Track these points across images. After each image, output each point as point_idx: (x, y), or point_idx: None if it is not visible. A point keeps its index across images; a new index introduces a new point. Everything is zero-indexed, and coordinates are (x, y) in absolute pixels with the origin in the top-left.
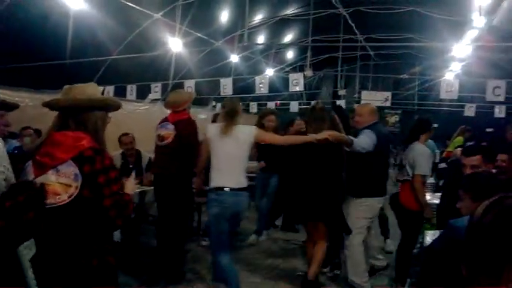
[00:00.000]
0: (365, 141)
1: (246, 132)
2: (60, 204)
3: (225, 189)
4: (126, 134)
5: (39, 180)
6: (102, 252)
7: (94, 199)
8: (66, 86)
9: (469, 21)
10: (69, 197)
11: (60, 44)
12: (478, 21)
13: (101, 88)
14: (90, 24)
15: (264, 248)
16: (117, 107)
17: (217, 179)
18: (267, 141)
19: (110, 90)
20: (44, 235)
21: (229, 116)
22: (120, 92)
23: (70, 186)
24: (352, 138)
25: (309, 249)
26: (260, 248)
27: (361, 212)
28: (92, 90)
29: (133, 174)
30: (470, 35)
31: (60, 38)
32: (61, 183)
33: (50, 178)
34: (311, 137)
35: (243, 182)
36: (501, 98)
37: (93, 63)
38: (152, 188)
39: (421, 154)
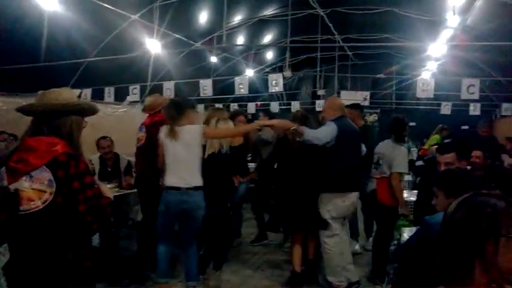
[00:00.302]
0: (323, 131)
1: (192, 132)
2: (35, 210)
3: (172, 189)
4: (104, 138)
5: (13, 186)
6: (79, 258)
7: (69, 204)
8: (40, 91)
9: (444, 20)
10: (43, 203)
11: (35, 46)
12: (452, 20)
13: (78, 91)
14: (66, 26)
15: (246, 248)
16: (93, 112)
17: (167, 179)
18: (211, 136)
19: (87, 92)
20: (18, 242)
21: (171, 119)
22: (98, 95)
23: (44, 192)
24: (304, 128)
25: (296, 250)
26: (242, 248)
27: (327, 213)
28: (67, 94)
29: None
30: (445, 34)
31: (35, 40)
32: (35, 189)
33: (24, 184)
34: (255, 123)
35: (192, 182)
36: (475, 96)
37: (70, 65)
38: (132, 191)
39: (400, 153)
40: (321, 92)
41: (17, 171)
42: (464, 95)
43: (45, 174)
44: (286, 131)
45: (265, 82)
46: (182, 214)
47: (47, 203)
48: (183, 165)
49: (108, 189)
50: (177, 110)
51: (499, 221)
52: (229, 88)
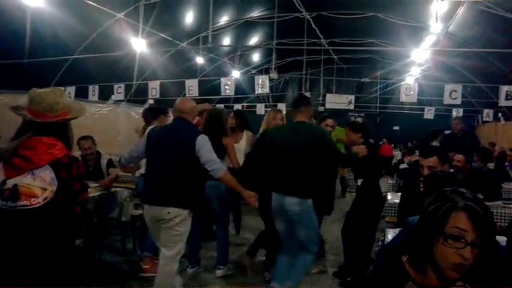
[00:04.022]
0: None
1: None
2: (34, 206)
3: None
4: (84, 138)
5: (13, 181)
6: (65, 256)
7: (67, 204)
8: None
9: (427, 27)
10: (44, 200)
11: (18, 43)
12: (435, 27)
13: (62, 89)
14: (50, 22)
15: None
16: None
17: None
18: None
19: (71, 91)
20: (11, 236)
21: (145, 121)
22: (82, 93)
23: (46, 189)
24: None
25: None
26: None
27: None
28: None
29: None
30: (429, 40)
31: (18, 36)
32: (37, 186)
33: (25, 180)
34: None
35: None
36: (458, 101)
37: (53, 62)
38: (116, 190)
39: None
40: (307, 95)
41: (19, 168)
42: (447, 100)
43: (48, 173)
44: None
45: (252, 83)
46: None
47: (47, 200)
48: None
49: None
50: (152, 114)
51: (449, 218)
52: (216, 89)
